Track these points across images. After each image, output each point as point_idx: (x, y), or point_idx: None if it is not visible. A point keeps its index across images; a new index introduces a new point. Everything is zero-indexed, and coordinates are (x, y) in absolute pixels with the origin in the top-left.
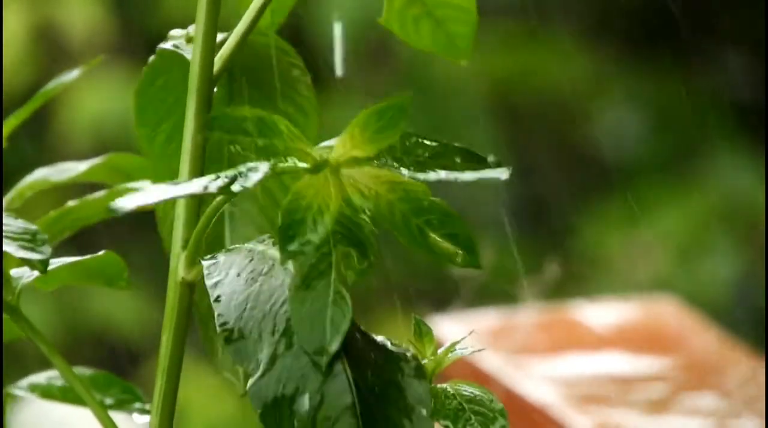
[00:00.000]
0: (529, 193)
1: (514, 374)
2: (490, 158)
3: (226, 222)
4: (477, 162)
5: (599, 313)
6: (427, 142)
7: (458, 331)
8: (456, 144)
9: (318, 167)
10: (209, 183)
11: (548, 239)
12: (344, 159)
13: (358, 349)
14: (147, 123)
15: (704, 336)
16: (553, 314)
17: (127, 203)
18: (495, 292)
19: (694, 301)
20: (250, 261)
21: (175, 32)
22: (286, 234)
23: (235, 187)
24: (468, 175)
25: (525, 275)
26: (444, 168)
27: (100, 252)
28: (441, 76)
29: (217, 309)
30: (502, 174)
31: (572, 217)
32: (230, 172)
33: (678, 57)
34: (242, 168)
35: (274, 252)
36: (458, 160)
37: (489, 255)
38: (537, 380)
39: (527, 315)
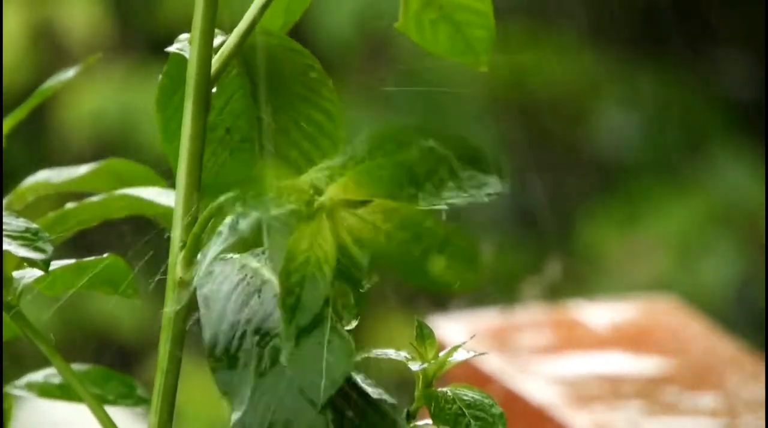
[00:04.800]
0: (529, 193)
1: (514, 374)
2: (489, 158)
3: None
4: (474, 163)
5: (599, 313)
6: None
7: (458, 332)
8: (451, 145)
9: (312, 213)
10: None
11: (548, 239)
12: (338, 201)
13: (341, 396)
14: (173, 137)
15: (704, 336)
16: (553, 314)
17: None
18: (495, 292)
19: (694, 301)
20: (243, 278)
21: (182, 36)
22: (288, 302)
23: (242, 225)
24: (461, 199)
25: (525, 275)
26: (441, 181)
27: (104, 256)
28: (441, 76)
29: (206, 331)
30: (497, 186)
31: (572, 217)
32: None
33: (678, 57)
34: (234, 217)
35: (266, 273)
36: (456, 166)
37: (489, 255)
38: (537, 380)
39: (527, 316)
